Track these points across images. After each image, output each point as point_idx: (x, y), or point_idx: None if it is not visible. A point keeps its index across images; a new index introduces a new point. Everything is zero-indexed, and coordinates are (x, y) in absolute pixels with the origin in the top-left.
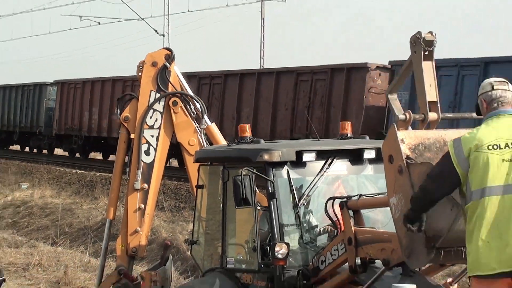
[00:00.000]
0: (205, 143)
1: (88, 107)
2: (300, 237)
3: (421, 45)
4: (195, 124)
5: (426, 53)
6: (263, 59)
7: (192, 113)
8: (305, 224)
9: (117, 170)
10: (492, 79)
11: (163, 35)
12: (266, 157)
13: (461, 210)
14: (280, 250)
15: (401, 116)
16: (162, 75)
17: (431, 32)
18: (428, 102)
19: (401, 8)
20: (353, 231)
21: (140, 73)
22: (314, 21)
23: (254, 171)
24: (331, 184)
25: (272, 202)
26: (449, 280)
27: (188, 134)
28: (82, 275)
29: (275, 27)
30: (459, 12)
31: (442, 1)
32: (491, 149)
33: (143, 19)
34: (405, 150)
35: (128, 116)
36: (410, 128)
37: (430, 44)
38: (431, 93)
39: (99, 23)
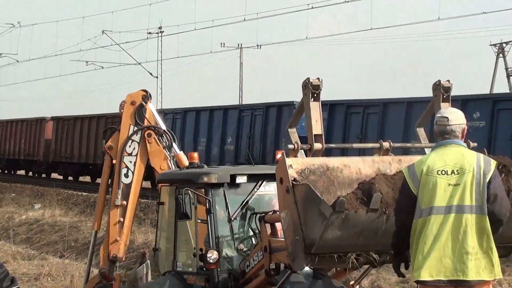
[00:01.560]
0: (173, 168)
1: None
2: (233, 246)
3: (309, 88)
4: (166, 152)
5: (315, 95)
6: (241, 97)
7: (163, 143)
8: (237, 235)
9: (102, 189)
10: (443, 113)
11: (157, 77)
12: (205, 179)
13: (330, 222)
14: (212, 256)
15: (290, 146)
16: (139, 112)
17: (318, 78)
18: (314, 134)
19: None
20: (268, 240)
21: (121, 110)
22: (283, 63)
23: (193, 190)
24: (269, 201)
25: (209, 217)
26: (352, 282)
27: (160, 161)
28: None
29: (252, 69)
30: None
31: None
32: (439, 174)
33: (140, 63)
34: (292, 173)
35: (111, 145)
36: (303, 154)
37: (316, 88)
38: (317, 127)
39: (102, 67)
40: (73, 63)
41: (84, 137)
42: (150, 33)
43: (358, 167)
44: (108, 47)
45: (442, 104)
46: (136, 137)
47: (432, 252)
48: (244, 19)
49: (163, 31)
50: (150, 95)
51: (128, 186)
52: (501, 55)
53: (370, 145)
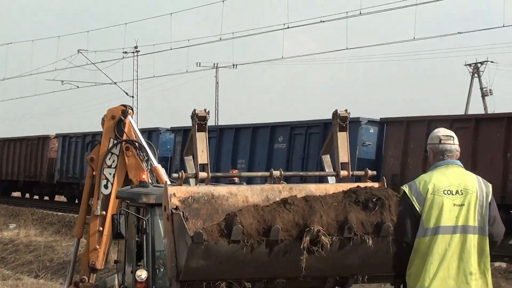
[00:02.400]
0: (150, 181)
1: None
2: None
3: (195, 120)
4: (144, 165)
5: (202, 125)
6: (217, 116)
7: (141, 157)
8: None
9: (84, 198)
10: (440, 133)
11: (133, 96)
12: (144, 199)
13: (191, 252)
14: (141, 275)
15: (174, 175)
16: (119, 126)
17: (204, 110)
18: (200, 164)
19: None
20: None
21: (103, 124)
22: (258, 83)
23: (127, 210)
24: None
25: (144, 236)
26: None
27: (137, 173)
28: None
29: (227, 88)
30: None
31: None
32: (446, 194)
33: (115, 83)
34: (175, 201)
35: (93, 157)
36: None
37: (202, 119)
38: (203, 157)
39: (77, 87)
40: (49, 82)
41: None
42: (125, 52)
43: (246, 195)
44: (83, 66)
45: (340, 134)
46: (116, 150)
47: (438, 272)
48: (220, 39)
49: (138, 51)
50: (130, 109)
51: (108, 197)
52: (476, 75)
53: (260, 173)
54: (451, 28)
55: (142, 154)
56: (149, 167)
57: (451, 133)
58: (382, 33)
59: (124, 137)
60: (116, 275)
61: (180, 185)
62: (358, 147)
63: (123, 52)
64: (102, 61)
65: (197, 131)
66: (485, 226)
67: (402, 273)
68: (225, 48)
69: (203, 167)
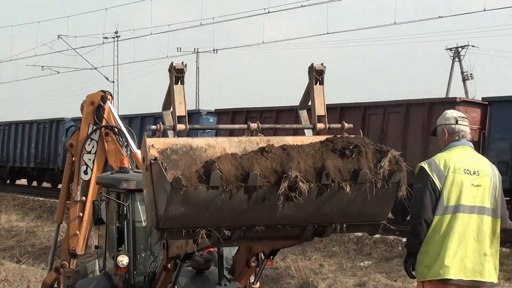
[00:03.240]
0: (131, 167)
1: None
2: (149, 250)
3: (173, 72)
4: (123, 150)
5: (179, 79)
6: (198, 101)
7: (121, 142)
8: None
9: (64, 184)
10: (456, 114)
11: (113, 81)
12: (124, 185)
13: (170, 198)
14: (122, 261)
15: (153, 126)
16: (98, 112)
17: (182, 63)
18: (178, 116)
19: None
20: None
21: (82, 110)
22: (239, 67)
23: (107, 196)
24: None
25: (125, 222)
26: (252, 280)
27: (117, 159)
28: None
29: (209, 73)
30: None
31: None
32: (466, 173)
33: (96, 68)
34: (153, 153)
35: (72, 143)
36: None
37: (180, 71)
38: (181, 109)
39: (58, 72)
40: (29, 68)
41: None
42: (106, 37)
43: (223, 147)
44: (64, 52)
45: (316, 87)
46: (95, 136)
47: (458, 251)
48: (201, 24)
49: (119, 36)
50: (109, 95)
51: (87, 182)
52: (457, 59)
53: (237, 126)
54: (432, 12)
55: (121, 139)
56: (129, 153)
57: (464, 114)
58: (363, 17)
59: (104, 123)
60: (96, 260)
61: (159, 137)
62: None
63: (103, 38)
64: (82, 47)
65: (175, 84)
66: (497, 209)
67: (416, 252)
68: (206, 33)
69: (181, 120)
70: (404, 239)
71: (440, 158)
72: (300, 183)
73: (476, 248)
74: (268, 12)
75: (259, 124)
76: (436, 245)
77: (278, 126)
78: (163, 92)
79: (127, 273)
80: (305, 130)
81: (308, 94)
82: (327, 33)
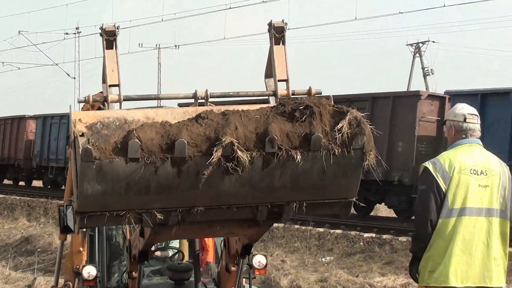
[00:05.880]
0: None
1: None
2: (120, 261)
3: (104, 36)
4: None
5: (111, 43)
6: (159, 103)
7: None
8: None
9: (66, 196)
10: (465, 111)
11: (74, 78)
12: None
13: (82, 174)
14: (89, 272)
15: (80, 98)
16: None
17: (114, 25)
18: (110, 84)
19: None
20: (129, 240)
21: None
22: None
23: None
24: None
25: (96, 229)
26: None
27: None
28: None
29: (170, 69)
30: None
31: None
32: (472, 174)
33: (57, 64)
34: (80, 127)
35: None
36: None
37: (111, 34)
38: (113, 77)
39: (19, 68)
40: None
41: None
42: (67, 33)
43: (165, 119)
44: (24, 47)
45: (276, 47)
46: None
47: (463, 256)
48: (162, 20)
49: (80, 32)
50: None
51: None
52: (417, 54)
53: (182, 94)
54: (393, 8)
55: None
56: None
57: (475, 111)
58: (323, 13)
59: None
60: None
61: (88, 109)
62: None
63: (64, 33)
64: (43, 43)
65: (106, 49)
66: (506, 210)
67: (420, 256)
68: (167, 29)
69: (112, 89)
70: (366, 235)
71: (446, 158)
72: (239, 151)
73: (485, 252)
74: (230, 8)
75: (208, 92)
76: (440, 250)
77: (231, 93)
78: (125, 88)
79: (95, 286)
80: (270, 99)
81: (270, 60)
82: (288, 28)
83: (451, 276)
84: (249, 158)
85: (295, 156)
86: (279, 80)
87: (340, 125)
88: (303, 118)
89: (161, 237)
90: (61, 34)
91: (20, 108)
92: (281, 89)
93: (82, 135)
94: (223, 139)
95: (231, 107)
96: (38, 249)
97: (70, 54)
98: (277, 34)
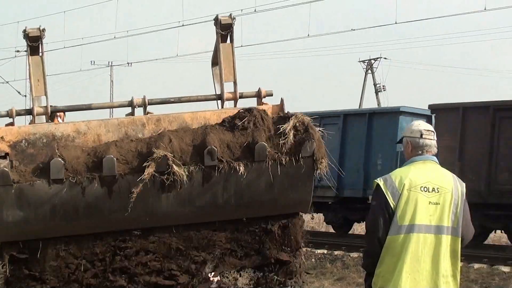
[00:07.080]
0: None
1: None
2: None
3: (27, 43)
4: None
5: (35, 49)
6: (112, 114)
7: None
8: None
9: None
10: (421, 127)
11: (25, 95)
12: None
13: (1, 195)
14: None
15: (2, 112)
16: None
17: (39, 28)
18: (35, 96)
19: None
20: None
21: None
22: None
23: None
24: None
25: None
26: None
27: None
28: None
29: (123, 87)
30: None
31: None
32: (422, 191)
33: (7, 82)
34: (3, 147)
35: None
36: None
37: (35, 40)
38: (39, 88)
39: None
40: None
41: None
42: (18, 51)
43: (98, 133)
44: None
45: (223, 45)
46: None
47: (411, 273)
48: (114, 37)
49: None
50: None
51: None
52: (369, 71)
53: (117, 102)
54: (345, 25)
55: None
56: None
57: (431, 127)
58: (277, 30)
59: None
60: None
61: (13, 125)
62: None
63: (15, 51)
64: None
65: (30, 55)
66: (458, 227)
67: (372, 272)
68: (120, 46)
69: (36, 101)
70: (318, 251)
71: (397, 175)
72: (174, 166)
73: (434, 269)
74: (182, 26)
75: (146, 99)
76: (389, 266)
77: (172, 99)
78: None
79: None
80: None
81: (215, 52)
82: (241, 46)
83: None
84: (187, 173)
85: (237, 168)
86: (227, 83)
87: (285, 130)
88: (244, 122)
89: None
90: (12, 51)
91: None
92: (228, 92)
93: (5, 156)
94: (156, 153)
95: (168, 117)
96: None
97: (22, 72)
98: (223, 30)
